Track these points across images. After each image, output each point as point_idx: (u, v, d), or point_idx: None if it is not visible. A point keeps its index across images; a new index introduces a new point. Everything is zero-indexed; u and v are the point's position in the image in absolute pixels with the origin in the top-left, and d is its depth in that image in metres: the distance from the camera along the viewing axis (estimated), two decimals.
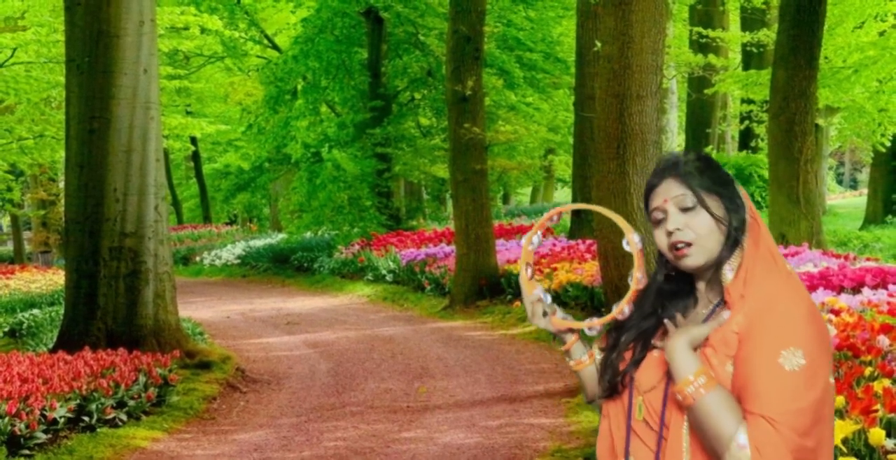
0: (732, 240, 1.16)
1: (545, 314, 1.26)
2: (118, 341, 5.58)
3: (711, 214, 1.16)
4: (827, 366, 1.11)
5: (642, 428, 1.18)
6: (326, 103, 13.78)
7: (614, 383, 1.22)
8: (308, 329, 8.18)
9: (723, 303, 1.17)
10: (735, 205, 1.17)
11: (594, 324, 1.26)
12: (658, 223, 1.19)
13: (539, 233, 1.29)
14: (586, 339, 1.34)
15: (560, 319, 1.27)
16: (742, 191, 1.21)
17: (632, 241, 1.21)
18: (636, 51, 4.39)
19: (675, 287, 1.23)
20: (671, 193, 1.17)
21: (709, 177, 1.18)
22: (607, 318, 1.25)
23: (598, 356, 1.29)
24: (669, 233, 1.17)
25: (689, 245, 1.16)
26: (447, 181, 13.95)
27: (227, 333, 7.99)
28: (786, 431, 1.05)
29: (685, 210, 1.17)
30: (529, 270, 1.29)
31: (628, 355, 1.22)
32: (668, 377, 1.16)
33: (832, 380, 1.13)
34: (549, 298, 1.28)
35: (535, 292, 1.27)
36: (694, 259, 1.16)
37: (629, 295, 1.23)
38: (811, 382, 1.07)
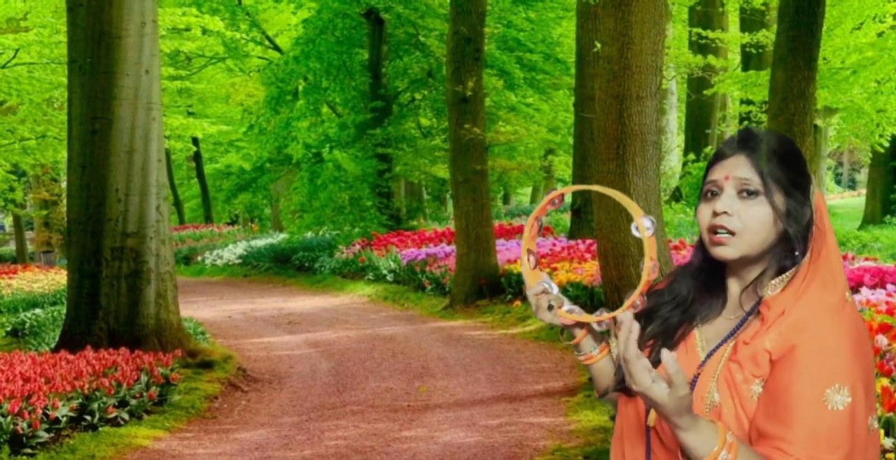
0: (786, 248, 1.03)
1: (550, 307, 1.13)
2: (120, 340, 5.60)
3: (773, 209, 1.01)
4: (870, 409, 0.99)
5: (653, 436, 1.10)
6: (327, 104, 13.81)
7: (623, 380, 1.11)
8: (309, 328, 8.20)
9: (757, 315, 1.04)
10: (803, 208, 1.02)
11: (604, 318, 1.12)
12: (708, 198, 1.05)
13: (541, 217, 1.16)
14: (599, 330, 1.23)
15: (567, 312, 1.14)
16: (819, 197, 1.06)
17: (641, 226, 1.05)
18: (636, 52, 4.41)
19: (707, 279, 1.09)
20: (737, 172, 1.02)
21: (787, 168, 1.03)
22: (618, 311, 1.10)
23: (615, 349, 1.17)
24: (716, 214, 1.03)
25: (732, 234, 1.02)
26: (447, 181, 13.97)
27: (228, 333, 8.02)
28: None
29: (744, 195, 1.02)
30: (532, 259, 1.15)
31: (645, 350, 1.10)
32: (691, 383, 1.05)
33: (875, 426, 1.00)
34: (555, 289, 1.14)
35: (539, 283, 1.13)
36: (730, 250, 1.03)
37: (641, 285, 1.08)
38: (853, 425, 0.96)
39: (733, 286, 1.08)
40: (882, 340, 3.55)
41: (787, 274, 1.03)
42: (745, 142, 1.05)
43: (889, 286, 5.13)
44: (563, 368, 5.71)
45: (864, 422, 0.97)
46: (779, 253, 1.04)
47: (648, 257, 1.06)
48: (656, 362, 1.06)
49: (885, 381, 2.99)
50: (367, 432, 4.41)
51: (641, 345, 1.07)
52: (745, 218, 1.02)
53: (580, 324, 1.16)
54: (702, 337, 1.09)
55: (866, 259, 6.58)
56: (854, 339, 0.98)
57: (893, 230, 10.97)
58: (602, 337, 1.18)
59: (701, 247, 1.09)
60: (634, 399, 1.10)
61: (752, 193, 1.02)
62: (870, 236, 10.00)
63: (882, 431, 2.60)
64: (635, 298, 1.08)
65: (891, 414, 2.73)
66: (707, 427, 0.96)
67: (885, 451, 2.63)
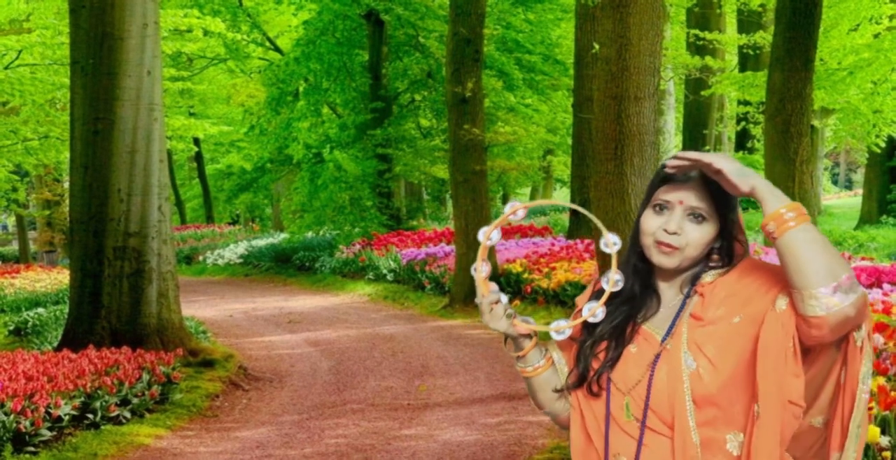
0: (709, 253, 1.20)
1: (510, 316, 1.19)
2: (122, 339, 5.63)
3: (715, 230, 1.17)
4: None
5: (633, 428, 1.18)
6: (328, 105, 13.84)
7: (585, 375, 1.21)
8: (310, 327, 8.23)
9: (693, 295, 1.19)
10: (734, 225, 1.19)
11: (562, 328, 1.19)
12: (657, 212, 1.18)
13: (498, 229, 1.20)
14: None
15: (522, 322, 1.20)
16: (739, 212, 1.23)
17: (609, 242, 1.17)
18: (634, 53, 4.44)
19: (642, 279, 1.23)
20: (690, 200, 1.16)
21: (727, 196, 1.17)
22: (577, 321, 1.20)
23: (558, 359, 1.26)
24: (664, 231, 1.17)
25: (675, 250, 1.17)
26: (447, 181, 14.02)
27: (229, 332, 8.04)
28: None
29: (691, 218, 1.17)
30: (486, 268, 1.20)
31: (599, 349, 1.21)
32: (651, 371, 1.16)
33: None
34: (505, 298, 1.21)
35: (493, 292, 1.19)
36: (672, 261, 1.18)
37: (604, 297, 1.18)
38: None
39: (665, 287, 1.24)
40: (878, 339, 3.57)
41: (720, 270, 1.20)
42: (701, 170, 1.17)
43: (885, 285, 5.16)
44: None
45: None
46: (713, 255, 1.22)
47: (613, 271, 1.17)
48: (613, 360, 1.20)
49: (881, 380, 3.01)
50: (367, 430, 4.43)
51: (594, 346, 1.21)
52: (690, 237, 1.18)
53: (529, 336, 1.23)
54: (652, 327, 1.22)
55: (863, 259, 6.61)
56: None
57: (890, 230, 11.01)
58: (545, 348, 1.26)
59: (635, 250, 1.23)
60: (597, 398, 1.20)
61: (700, 217, 1.18)
62: (866, 236, 10.04)
63: (878, 430, 2.61)
64: (597, 308, 1.18)
65: (887, 412, 2.75)
66: (780, 192, 1.11)
67: (881, 449, 2.64)
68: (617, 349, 1.21)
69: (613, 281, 1.17)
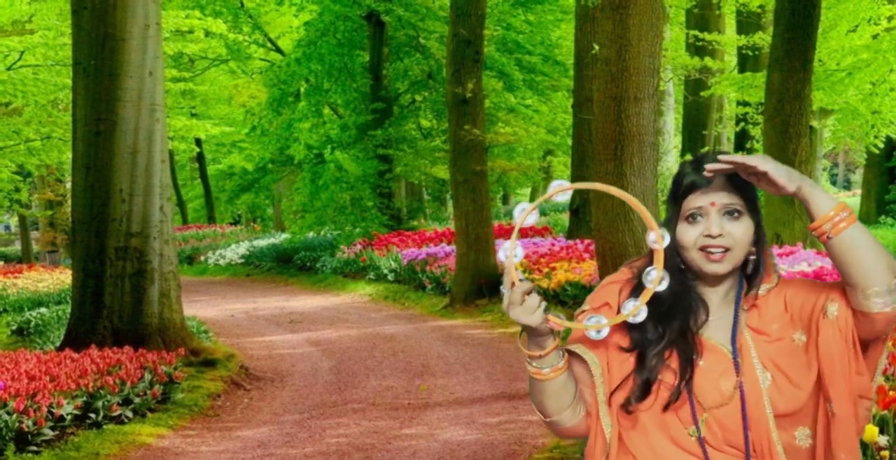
0: (758, 254, 1.17)
1: (547, 309, 1.09)
2: (124, 339, 5.64)
3: (757, 226, 1.16)
4: None
5: (691, 446, 1.13)
6: (329, 105, 13.87)
7: (650, 386, 1.13)
8: (311, 327, 8.25)
9: (750, 308, 1.18)
10: (761, 220, 1.19)
11: (602, 326, 1.09)
12: (692, 222, 1.15)
13: (536, 211, 1.11)
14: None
15: (555, 317, 1.09)
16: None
17: (659, 237, 1.09)
18: (633, 54, 4.46)
19: (682, 291, 1.17)
20: (721, 199, 1.14)
21: (751, 188, 1.16)
22: (617, 320, 1.11)
23: (595, 368, 1.16)
24: (707, 236, 1.13)
25: (726, 251, 1.14)
26: (448, 182, 14.02)
27: (231, 332, 8.07)
28: None
29: (734, 216, 1.15)
30: (520, 252, 1.09)
31: (668, 358, 1.14)
32: (741, 392, 1.12)
33: None
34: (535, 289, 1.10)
35: (524, 280, 1.08)
36: (724, 266, 1.14)
37: (647, 295, 1.09)
38: None
39: (710, 293, 1.19)
40: None
41: (770, 284, 1.19)
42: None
43: None
44: None
45: None
46: (752, 259, 1.19)
47: (658, 268, 1.09)
48: (691, 372, 1.13)
49: (880, 380, 3.01)
50: (367, 430, 4.45)
51: (663, 353, 1.14)
52: (735, 235, 1.15)
53: (553, 334, 1.12)
54: (714, 339, 1.18)
55: None
56: None
57: (888, 230, 11.04)
58: (563, 350, 1.16)
59: (678, 268, 1.16)
60: (667, 412, 1.13)
61: (737, 213, 1.15)
62: None
63: (877, 429, 2.61)
64: (639, 307, 1.09)
65: (885, 412, 2.76)
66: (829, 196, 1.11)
67: (879, 448, 2.65)
68: (689, 360, 1.14)
69: (658, 279, 1.08)
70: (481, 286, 8.54)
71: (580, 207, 9.94)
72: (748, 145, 12.98)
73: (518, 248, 1.10)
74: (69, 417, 4.21)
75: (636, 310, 1.08)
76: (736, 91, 10.90)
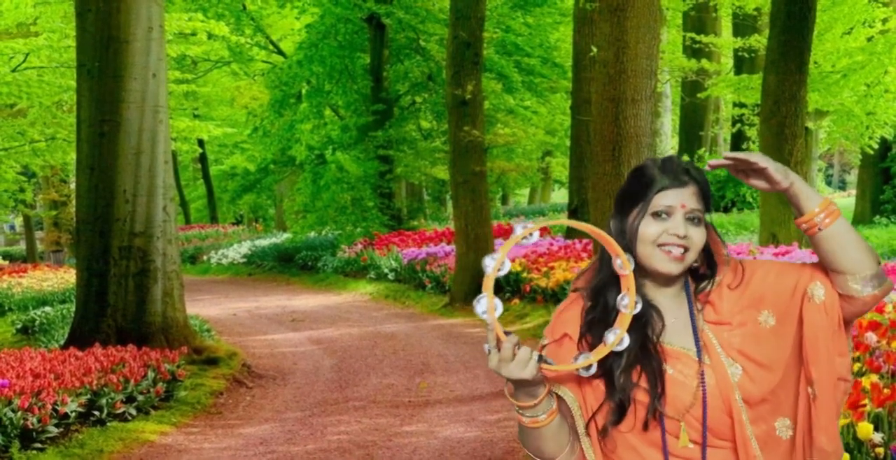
0: (705, 257, 1.20)
1: (540, 359, 1.05)
2: (128, 338, 5.68)
3: (712, 234, 1.19)
4: None
5: (689, 452, 1.14)
6: (330, 107, 13.93)
7: (624, 409, 1.12)
8: (312, 326, 8.30)
9: (703, 305, 1.18)
10: (712, 231, 1.22)
11: (591, 362, 1.08)
12: (657, 218, 1.16)
13: (507, 259, 1.09)
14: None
15: (546, 365, 1.05)
16: None
17: (626, 263, 1.10)
18: (631, 56, 4.51)
19: (614, 293, 1.17)
20: (690, 204, 1.17)
21: (710, 199, 1.20)
22: (603, 352, 1.09)
23: (571, 401, 1.15)
24: (674, 235, 1.15)
25: (686, 252, 1.16)
26: (447, 182, 14.08)
27: (233, 330, 8.11)
28: None
29: (694, 221, 1.17)
30: (499, 306, 1.04)
31: (636, 377, 1.13)
32: (703, 390, 1.13)
33: None
34: (500, 307, 1.06)
35: (511, 335, 1.05)
36: (681, 266, 1.16)
37: (626, 323, 1.09)
38: None
39: (660, 296, 1.18)
40: (871, 337, 3.63)
41: (715, 278, 1.20)
42: (689, 173, 1.19)
43: None
44: None
45: None
46: (701, 261, 1.22)
47: (630, 293, 1.09)
48: (662, 387, 1.12)
49: (874, 377, 3.04)
50: (368, 427, 4.48)
51: (629, 374, 1.13)
52: (694, 239, 1.17)
53: (543, 382, 1.08)
54: (676, 344, 1.17)
55: None
56: None
57: (883, 230, 11.07)
58: (552, 391, 1.13)
59: (605, 259, 1.16)
60: (648, 431, 1.12)
61: (698, 220, 1.18)
62: None
63: (871, 427, 2.62)
64: (622, 336, 1.08)
65: (880, 409, 2.78)
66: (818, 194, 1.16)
67: (874, 446, 2.66)
68: (658, 374, 1.14)
69: (633, 303, 1.08)
70: (481, 285, 8.59)
71: (579, 207, 9.99)
72: (744, 146, 13.03)
73: (497, 302, 1.04)
74: (73, 415, 4.23)
75: (618, 340, 1.07)
76: (732, 93, 10.96)
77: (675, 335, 1.18)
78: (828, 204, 1.14)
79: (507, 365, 1.05)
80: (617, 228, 1.18)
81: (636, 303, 1.10)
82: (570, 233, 10.29)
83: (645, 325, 1.15)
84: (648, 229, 1.16)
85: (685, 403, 1.14)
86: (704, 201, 1.18)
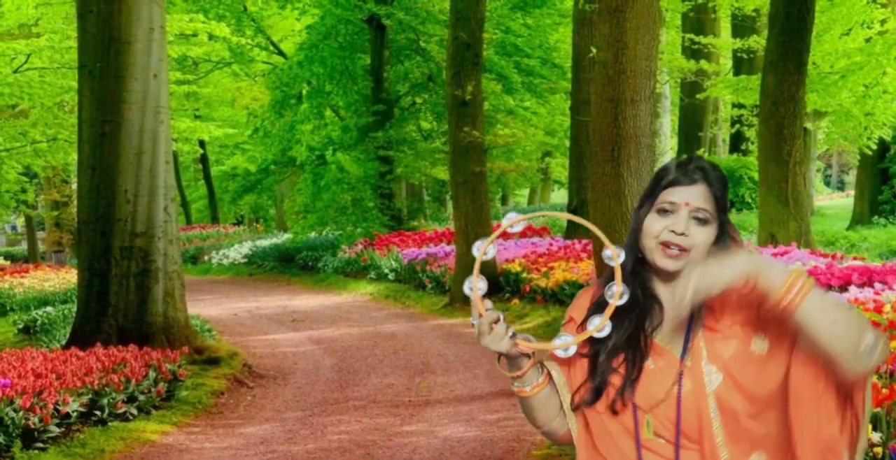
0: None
1: (513, 335, 1.13)
2: (129, 338, 5.70)
3: (720, 236, 1.16)
4: None
5: (655, 445, 1.15)
6: (330, 107, 13.95)
7: (601, 392, 1.16)
8: (313, 326, 8.31)
9: (705, 308, 1.15)
10: (728, 227, 1.19)
11: (569, 344, 1.14)
12: (662, 214, 1.16)
13: (494, 243, 1.16)
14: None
15: (523, 341, 1.14)
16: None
17: (614, 254, 1.13)
18: (630, 57, 4.52)
19: (639, 283, 1.19)
20: (696, 202, 1.16)
21: (725, 196, 1.18)
22: (583, 336, 1.15)
23: (558, 376, 1.20)
24: (672, 231, 1.15)
25: (683, 251, 1.15)
26: (447, 183, 14.10)
27: (234, 330, 8.13)
28: None
29: (698, 221, 1.15)
30: (483, 285, 1.13)
31: (617, 363, 1.16)
32: (679, 390, 1.13)
33: None
34: (490, 304, 1.14)
35: (489, 309, 1.13)
36: (678, 264, 1.16)
37: (609, 311, 1.13)
38: None
39: (665, 292, 1.19)
40: None
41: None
42: (702, 172, 1.18)
43: (877, 285, 5.24)
44: None
45: None
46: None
47: (617, 283, 1.13)
48: (636, 376, 1.14)
49: (872, 377, 3.04)
50: (369, 427, 4.49)
51: (611, 359, 1.16)
52: (696, 239, 1.16)
53: (526, 356, 1.15)
54: (665, 341, 1.18)
55: (854, 258, 6.69)
56: None
57: (881, 230, 11.09)
58: (541, 365, 1.19)
59: (634, 254, 1.18)
60: (617, 415, 1.15)
61: (703, 221, 1.16)
62: (858, 236, 10.13)
63: (870, 426, 2.68)
64: (604, 323, 1.13)
65: (878, 409, 2.79)
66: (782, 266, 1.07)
67: (872, 445, 2.67)
68: (636, 364, 1.16)
69: (619, 294, 1.13)
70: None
71: (578, 208, 10.01)
72: (743, 147, 13.06)
73: (480, 282, 1.14)
74: (75, 414, 4.25)
75: (601, 326, 1.13)
76: (731, 93, 10.98)
77: (668, 332, 1.18)
78: (793, 280, 1.05)
79: (485, 338, 1.14)
80: (632, 221, 1.20)
81: (622, 293, 1.13)
82: (570, 233, 10.31)
83: (643, 317, 1.17)
84: (651, 224, 1.17)
85: (656, 398, 1.15)
86: (716, 202, 1.16)
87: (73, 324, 6.16)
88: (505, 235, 1.19)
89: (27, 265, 14.18)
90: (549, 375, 1.20)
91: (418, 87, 13.20)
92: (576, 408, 1.19)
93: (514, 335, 1.14)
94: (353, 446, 4.15)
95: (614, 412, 1.16)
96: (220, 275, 14.70)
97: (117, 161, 5.92)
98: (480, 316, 1.13)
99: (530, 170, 16.05)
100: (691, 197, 1.16)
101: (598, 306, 1.19)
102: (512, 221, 1.15)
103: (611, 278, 1.16)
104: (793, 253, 6.35)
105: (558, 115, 13.51)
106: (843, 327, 1.06)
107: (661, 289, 1.20)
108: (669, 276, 1.19)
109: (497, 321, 1.13)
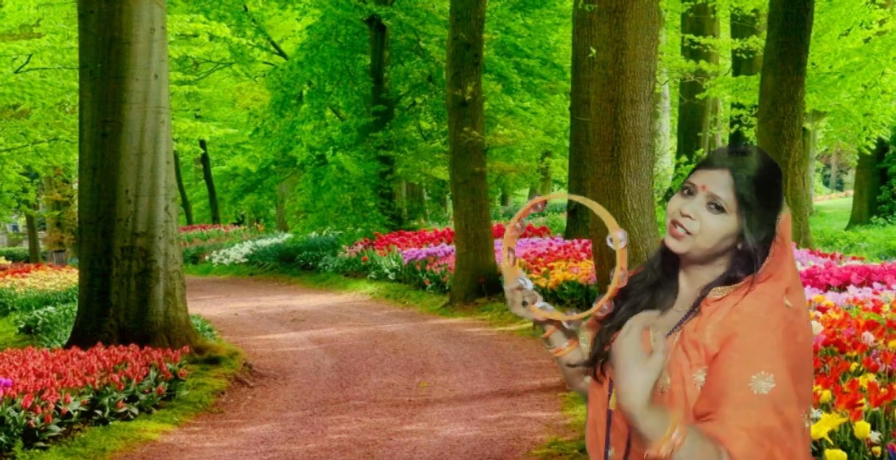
0: (741, 261, 1.12)
1: (525, 303, 1.23)
2: (130, 337, 5.72)
3: (731, 227, 1.11)
4: (802, 404, 1.07)
5: (620, 416, 1.15)
6: (331, 108, 13.97)
7: (594, 359, 1.21)
8: (313, 325, 8.32)
9: (698, 311, 1.13)
10: (760, 232, 1.11)
11: (573, 318, 1.23)
12: (684, 194, 1.14)
13: (524, 218, 1.26)
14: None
15: (539, 309, 1.24)
16: (786, 224, 1.14)
17: (616, 238, 1.15)
18: (630, 57, 4.53)
19: (666, 269, 1.20)
20: (713, 188, 1.12)
21: (760, 195, 1.11)
22: (587, 313, 1.22)
23: (585, 344, 1.26)
24: (682, 213, 1.13)
25: (686, 234, 1.13)
26: (447, 183, 14.13)
27: (234, 330, 8.13)
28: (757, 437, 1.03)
29: (711, 207, 1.12)
30: (511, 256, 1.26)
31: (613, 337, 1.18)
32: (609, 386, 1.17)
33: (807, 425, 1.08)
34: (529, 285, 1.24)
35: (515, 279, 1.23)
36: (680, 245, 1.14)
37: (610, 291, 1.17)
38: (778, 410, 1.04)
39: (683, 282, 1.19)
40: (868, 337, 3.65)
41: (735, 285, 1.12)
42: (734, 159, 1.13)
43: (875, 284, 5.26)
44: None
45: (793, 411, 1.05)
46: (732, 263, 1.14)
47: (619, 267, 1.15)
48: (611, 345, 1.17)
49: (871, 377, 3.06)
50: (369, 426, 4.50)
51: (611, 331, 1.20)
52: (705, 225, 1.12)
53: (551, 321, 1.25)
54: (656, 327, 1.14)
55: (853, 258, 6.70)
56: (785, 336, 1.07)
57: (880, 230, 11.12)
58: (572, 332, 1.28)
59: (662, 248, 1.20)
60: (601, 385, 1.20)
61: (718, 208, 1.11)
62: (857, 236, 10.15)
63: (868, 425, 2.65)
64: (604, 303, 1.18)
65: (876, 409, 2.79)
66: (660, 411, 1.02)
67: (871, 444, 2.68)
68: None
69: (619, 276, 1.16)
70: (480, 285, 8.63)
71: (577, 208, 10.03)
72: (742, 146, 13.07)
73: (510, 253, 1.26)
74: (76, 414, 4.26)
75: (599, 306, 1.20)
76: (730, 94, 11.00)
77: (663, 321, 1.17)
78: (670, 434, 1.00)
79: (512, 307, 1.25)
80: None
81: (621, 278, 1.16)
82: (570, 233, 10.33)
83: (657, 297, 1.19)
84: (671, 202, 1.16)
85: None
86: (740, 195, 1.10)
87: (74, 324, 6.17)
88: (543, 204, 1.25)
89: (28, 265, 14.21)
90: (577, 341, 1.29)
91: (418, 88, 13.21)
92: (571, 365, 1.28)
93: (531, 303, 1.24)
94: (353, 445, 4.16)
95: (596, 379, 1.22)
96: (220, 275, 14.71)
97: (118, 161, 5.94)
98: (507, 283, 1.25)
99: (530, 170, 16.06)
100: (710, 181, 1.12)
101: (627, 288, 1.22)
102: (534, 201, 1.24)
103: (651, 261, 1.21)
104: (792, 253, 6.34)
105: (558, 116, 13.53)
106: None
107: (682, 277, 1.20)
108: (689, 265, 1.18)
109: (519, 288, 1.24)
